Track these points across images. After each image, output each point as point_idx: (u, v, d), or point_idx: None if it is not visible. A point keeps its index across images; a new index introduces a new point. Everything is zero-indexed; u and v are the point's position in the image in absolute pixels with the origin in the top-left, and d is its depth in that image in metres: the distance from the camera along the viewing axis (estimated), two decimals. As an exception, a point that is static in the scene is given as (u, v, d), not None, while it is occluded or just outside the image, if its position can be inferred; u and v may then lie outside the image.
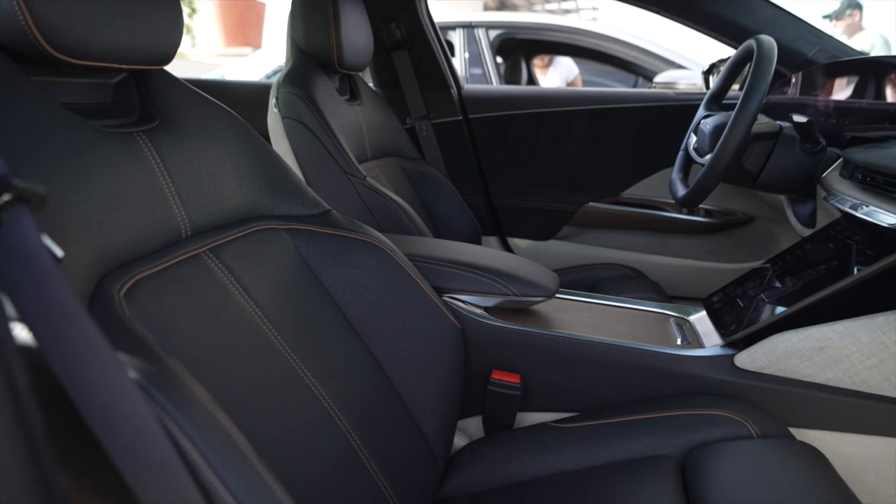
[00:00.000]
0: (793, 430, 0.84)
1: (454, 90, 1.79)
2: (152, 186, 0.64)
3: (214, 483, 0.40)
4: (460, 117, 1.79)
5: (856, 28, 4.16)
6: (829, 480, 0.72)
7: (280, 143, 1.23)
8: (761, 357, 0.88)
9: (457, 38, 3.04)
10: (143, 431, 0.38)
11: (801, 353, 0.86)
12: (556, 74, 3.75)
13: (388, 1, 1.66)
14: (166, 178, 0.66)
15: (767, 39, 1.11)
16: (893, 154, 0.92)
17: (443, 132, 1.78)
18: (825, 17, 4.16)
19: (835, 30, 4.17)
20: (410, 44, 1.71)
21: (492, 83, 3.02)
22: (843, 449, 0.83)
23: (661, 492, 0.73)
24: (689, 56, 3.09)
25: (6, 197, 0.36)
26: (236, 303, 0.67)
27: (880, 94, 1.13)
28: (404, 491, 0.77)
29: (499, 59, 3.27)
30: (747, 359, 0.89)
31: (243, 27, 5.38)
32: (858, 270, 0.83)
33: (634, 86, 3.48)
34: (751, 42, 1.17)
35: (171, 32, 0.68)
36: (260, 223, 0.78)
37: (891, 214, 0.83)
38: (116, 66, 0.64)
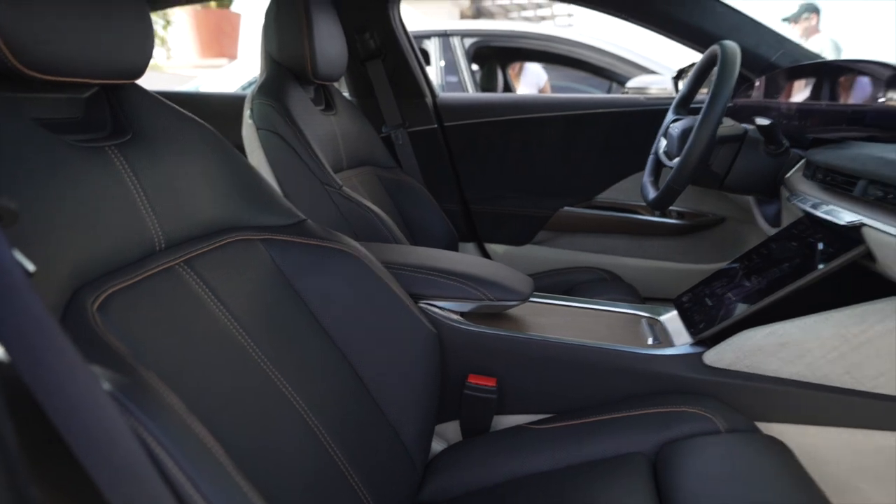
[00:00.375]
0: (759, 424, 0.87)
1: (429, 99, 1.81)
2: (125, 200, 0.64)
3: (190, 492, 0.41)
4: (435, 125, 1.81)
5: (812, 31, 4.29)
6: (792, 472, 0.74)
7: (255, 155, 1.24)
8: (728, 354, 0.90)
9: (432, 46, 3.07)
10: (118, 442, 0.39)
11: (765, 350, 0.88)
12: (526, 82, 3.81)
13: (362, 11, 1.68)
14: (139, 192, 0.66)
15: (731, 45, 1.15)
16: (851, 154, 0.95)
17: (418, 140, 1.79)
18: (784, 19, 4.29)
19: (793, 32, 4.30)
20: (384, 53, 1.73)
21: (468, 91, 3.05)
22: (806, 441, 0.85)
23: (634, 488, 0.75)
24: (660, 61, 3.14)
25: (-23, 214, 0.37)
26: (211, 314, 0.68)
27: (838, 97, 1.17)
28: (384, 498, 0.78)
29: (474, 67, 3.30)
30: (715, 356, 0.91)
31: (218, 38, 5.36)
32: (819, 268, 0.86)
33: (608, 91, 3.54)
34: (715, 48, 1.21)
35: (141, 46, 0.69)
36: (235, 234, 0.78)
37: (848, 213, 0.87)
38: (87, 81, 0.64)
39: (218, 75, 3.23)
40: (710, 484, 0.71)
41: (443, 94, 1.87)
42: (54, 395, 0.38)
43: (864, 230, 0.80)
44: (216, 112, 1.83)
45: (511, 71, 3.81)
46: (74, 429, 0.37)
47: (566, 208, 1.81)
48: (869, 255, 0.82)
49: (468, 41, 3.07)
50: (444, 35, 3.06)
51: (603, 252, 1.80)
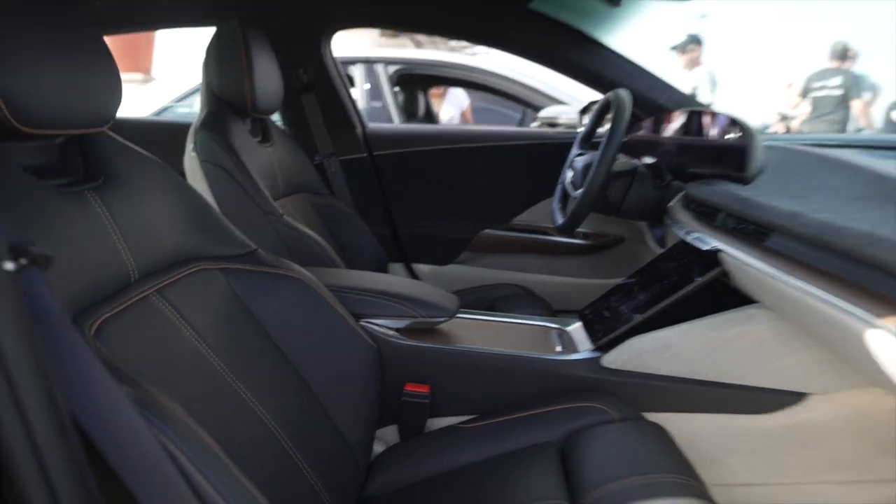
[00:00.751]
0: (646, 414, 1.05)
1: (359, 129, 1.94)
2: (104, 237, 0.73)
3: (206, 487, 0.51)
4: (365, 154, 1.93)
5: (695, 62, 4.77)
6: (669, 451, 0.92)
7: (198, 186, 1.31)
8: (621, 357, 1.08)
9: (357, 72, 3.20)
10: (145, 446, 0.49)
11: (650, 352, 1.07)
12: (450, 104, 4.02)
13: (296, 48, 1.79)
14: (115, 230, 0.75)
15: (623, 95, 1.35)
16: (715, 190, 1.17)
17: (349, 168, 1.91)
18: (672, 48, 4.72)
19: (678, 61, 4.75)
20: (317, 86, 1.84)
21: (392, 115, 3.20)
22: (682, 425, 1.04)
23: (546, 472, 0.91)
24: (567, 91, 3.43)
25: (24, 261, 0.47)
26: (184, 337, 0.77)
27: (710, 139, 1.40)
28: (334, 492, 0.90)
29: (396, 87, 3.46)
30: (611, 359, 1.09)
31: (132, 52, 5.21)
32: (695, 282, 1.06)
33: (522, 115, 3.79)
34: (610, 95, 1.41)
35: (111, 96, 0.78)
36: (196, 264, 0.88)
37: (711, 240, 1.07)
38: (67, 132, 0.73)
39: (132, 93, 3.19)
40: (606, 462, 0.88)
41: (372, 125, 2.00)
42: (90, 412, 0.47)
43: (721, 255, 1.01)
44: (157, 140, 1.88)
45: (435, 93, 4.01)
46: (108, 438, 0.47)
47: (486, 230, 1.98)
48: (726, 274, 1.03)
49: (391, 68, 3.23)
50: (369, 62, 3.19)
51: (519, 270, 1.98)
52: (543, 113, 2.79)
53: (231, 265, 0.93)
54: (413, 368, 1.10)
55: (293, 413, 0.89)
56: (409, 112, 3.69)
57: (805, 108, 4.99)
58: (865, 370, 0.82)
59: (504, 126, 3.56)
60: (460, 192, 1.99)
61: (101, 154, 0.81)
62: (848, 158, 1.03)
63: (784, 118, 6.11)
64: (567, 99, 3.37)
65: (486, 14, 1.67)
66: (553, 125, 2.70)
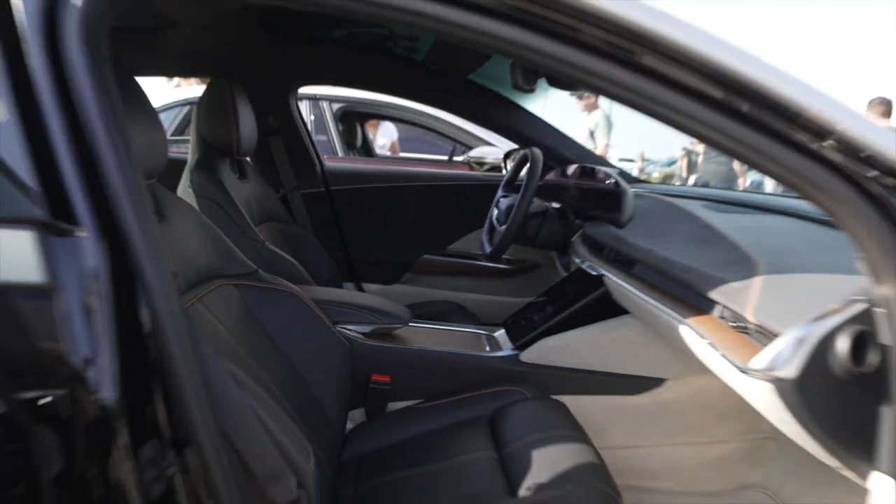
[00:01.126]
0: (553, 396, 1.42)
1: (318, 167, 2.25)
2: None
3: (281, 438, 0.80)
4: (323, 188, 2.24)
5: (593, 106, 5.35)
6: (567, 421, 1.29)
7: None
8: (535, 354, 1.45)
9: (303, 107, 3.49)
10: (237, 400, 0.78)
11: (556, 350, 1.45)
12: (382, 135, 4.48)
13: (267, 99, 2.08)
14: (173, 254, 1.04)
15: (538, 153, 1.74)
16: (602, 230, 1.57)
17: (309, 200, 2.21)
18: (572, 94, 5.24)
19: (578, 105, 5.28)
20: (283, 130, 2.14)
21: (335, 147, 3.51)
22: (577, 403, 1.41)
23: (479, 434, 1.25)
24: (491, 132, 3.86)
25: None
26: (223, 335, 1.06)
27: (597, 190, 1.81)
28: (320, 453, 1.20)
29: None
30: (527, 356, 1.46)
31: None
32: (587, 298, 1.45)
33: (452, 150, 4.19)
34: (527, 152, 1.80)
35: (160, 150, 1.04)
36: (218, 281, 1.17)
37: (599, 268, 1.46)
38: None
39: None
40: (521, 426, 1.23)
41: (328, 164, 2.31)
42: (209, 380, 0.76)
43: (605, 278, 1.40)
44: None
45: (371, 123, 4.39)
46: (218, 398, 0.76)
47: (425, 256, 2.33)
48: (609, 292, 1.43)
49: (336, 105, 3.55)
50: (315, 99, 3.50)
51: (453, 289, 2.34)
52: (473, 153, 3.20)
53: (241, 282, 1.22)
54: (378, 363, 1.42)
55: (291, 393, 1.19)
56: (349, 143, 4.01)
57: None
58: (691, 358, 1.22)
59: (437, 159, 3.95)
60: (404, 223, 2.33)
61: (158, 200, 1.09)
62: (692, 210, 1.45)
63: (688, 153, 6.83)
64: (488, 137, 3.82)
65: (432, 81, 2.04)
66: (481, 164, 3.12)
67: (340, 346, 1.34)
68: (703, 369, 1.42)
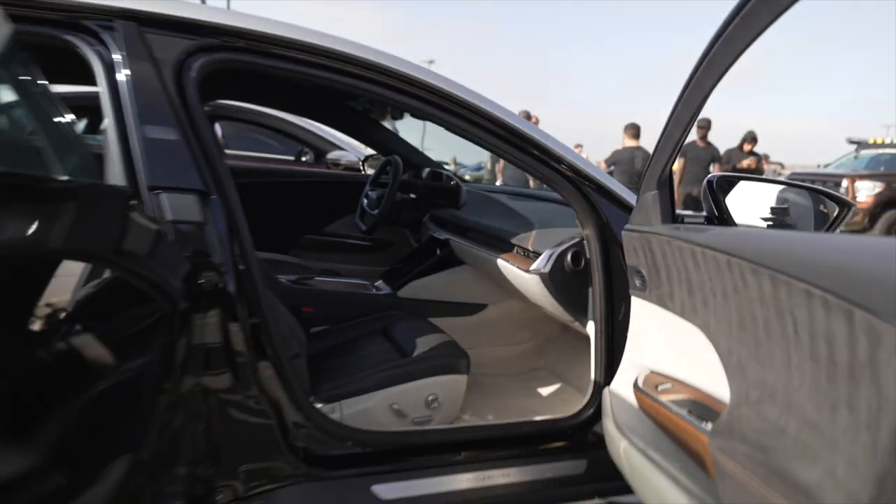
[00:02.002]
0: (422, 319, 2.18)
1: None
2: None
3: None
4: None
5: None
6: (433, 326, 2.06)
7: None
8: (407, 292, 2.23)
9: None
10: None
11: (420, 288, 2.23)
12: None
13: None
14: None
15: (398, 160, 2.50)
16: (445, 213, 2.38)
17: None
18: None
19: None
20: None
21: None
22: (439, 322, 2.20)
23: (377, 337, 1.97)
24: (338, 136, 4.54)
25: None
26: None
27: (439, 184, 2.62)
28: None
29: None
30: (402, 293, 2.22)
31: None
32: (438, 255, 2.25)
33: (300, 151, 4.76)
34: (390, 158, 2.55)
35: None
36: None
37: (445, 234, 2.27)
38: None
39: None
40: (405, 331, 1.98)
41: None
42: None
43: (450, 241, 2.22)
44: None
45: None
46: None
47: (308, 235, 2.96)
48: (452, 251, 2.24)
49: (201, 109, 3.94)
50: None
51: (330, 261, 3.00)
52: (330, 156, 3.89)
53: None
54: (304, 299, 2.07)
55: None
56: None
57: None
58: (503, 288, 2.08)
59: (286, 159, 4.55)
60: (289, 210, 2.94)
61: None
62: (500, 198, 2.32)
63: (494, 160, 8.08)
64: (335, 140, 4.50)
65: (313, 104, 2.67)
66: (337, 164, 3.81)
67: (281, 288, 1.97)
68: (510, 297, 2.31)
